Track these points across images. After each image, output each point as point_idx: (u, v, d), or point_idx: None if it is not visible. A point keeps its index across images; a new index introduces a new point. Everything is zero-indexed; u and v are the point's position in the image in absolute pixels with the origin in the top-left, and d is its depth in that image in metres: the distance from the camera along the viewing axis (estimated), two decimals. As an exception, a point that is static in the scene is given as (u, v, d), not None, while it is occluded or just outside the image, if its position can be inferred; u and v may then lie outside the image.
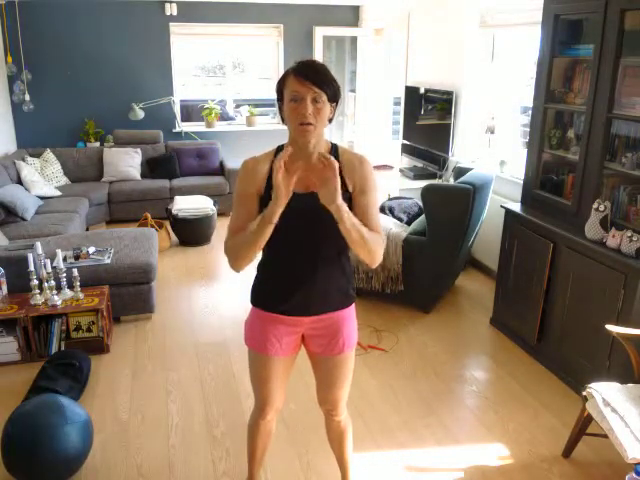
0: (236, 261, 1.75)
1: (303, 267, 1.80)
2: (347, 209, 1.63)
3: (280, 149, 1.79)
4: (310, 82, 1.60)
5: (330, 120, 1.73)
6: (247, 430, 2.18)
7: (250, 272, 1.94)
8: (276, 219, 1.62)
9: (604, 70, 2.87)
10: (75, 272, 3.50)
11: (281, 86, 1.69)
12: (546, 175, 3.53)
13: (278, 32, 7.27)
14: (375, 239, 1.72)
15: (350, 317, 1.93)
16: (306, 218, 1.73)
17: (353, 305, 1.94)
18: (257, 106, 7.63)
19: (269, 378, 1.96)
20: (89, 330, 3.50)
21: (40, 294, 3.48)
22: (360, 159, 1.79)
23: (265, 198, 1.73)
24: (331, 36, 7.61)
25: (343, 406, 2.08)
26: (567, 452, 2.60)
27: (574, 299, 3.05)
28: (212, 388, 3.17)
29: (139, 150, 6.53)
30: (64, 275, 3.50)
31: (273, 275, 1.86)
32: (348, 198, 1.74)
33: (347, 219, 1.62)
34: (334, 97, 1.68)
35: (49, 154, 6.25)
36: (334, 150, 1.78)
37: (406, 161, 6.16)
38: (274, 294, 1.87)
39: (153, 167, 6.53)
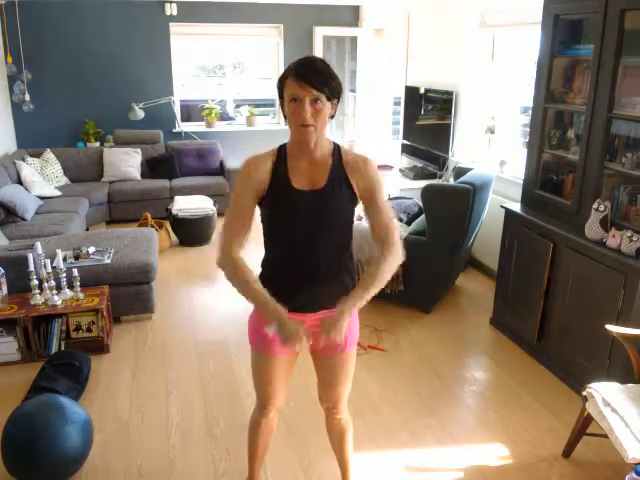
0: (228, 281, 1.79)
1: (307, 265, 1.81)
2: (347, 310, 1.71)
3: (282, 148, 1.80)
4: (308, 85, 1.61)
5: (332, 116, 1.74)
6: (248, 428, 2.18)
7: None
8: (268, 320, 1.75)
9: (604, 70, 2.87)
10: (75, 272, 3.50)
11: (281, 85, 1.69)
12: (546, 175, 3.53)
13: (278, 32, 7.27)
14: (387, 268, 1.76)
15: (352, 314, 1.92)
16: (309, 216, 1.75)
17: None
18: (257, 106, 7.63)
19: (271, 376, 1.97)
20: (89, 330, 3.50)
21: (40, 294, 3.48)
22: (364, 160, 1.79)
23: (266, 195, 1.76)
24: (331, 36, 7.60)
25: (344, 404, 2.09)
26: (567, 452, 2.60)
27: (574, 299, 3.05)
28: (212, 388, 3.17)
29: (139, 150, 6.53)
30: (64, 275, 3.50)
31: (276, 273, 1.87)
32: (352, 199, 1.79)
33: (355, 307, 1.74)
34: (334, 95, 1.68)
35: (49, 154, 6.25)
36: (336, 150, 1.79)
37: (406, 161, 6.16)
38: (277, 292, 1.85)
39: (153, 167, 6.53)
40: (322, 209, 1.75)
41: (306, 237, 1.77)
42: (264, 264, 1.90)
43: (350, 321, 1.91)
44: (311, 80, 1.60)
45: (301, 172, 1.76)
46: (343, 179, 1.76)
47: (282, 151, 1.79)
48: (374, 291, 1.75)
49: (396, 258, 1.78)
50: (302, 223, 1.75)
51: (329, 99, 1.66)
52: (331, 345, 1.89)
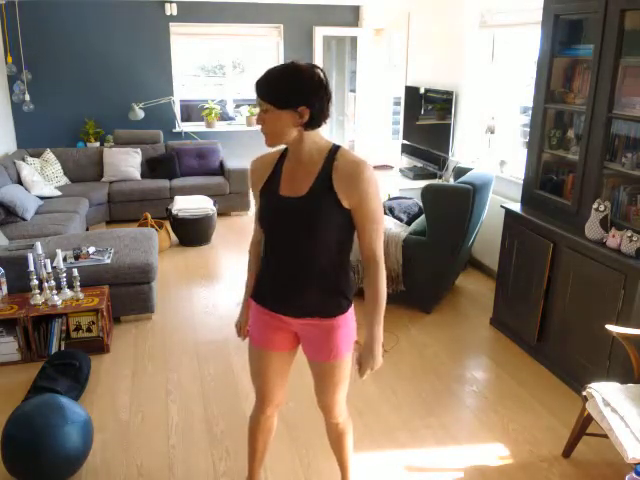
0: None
1: (288, 271, 1.80)
2: (375, 338, 1.82)
3: (286, 150, 1.79)
4: (258, 95, 1.65)
5: (306, 125, 1.64)
6: (248, 427, 2.18)
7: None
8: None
9: (604, 70, 2.87)
10: (75, 272, 3.50)
11: None
12: (546, 175, 3.53)
13: (278, 32, 7.27)
14: (381, 294, 1.78)
15: (343, 326, 1.86)
16: (289, 221, 1.73)
17: (348, 314, 1.87)
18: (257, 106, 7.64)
19: (263, 371, 1.97)
20: (89, 330, 3.50)
21: (40, 294, 3.48)
22: (356, 165, 1.65)
23: (263, 190, 1.80)
24: (331, 36, 7.60)
25: (338, 410, 2.04)
26: (567, 452, 2.60)
27: (574, 299, 3.05)
28: (212, 388, 3.17)
29: (139, 150, 6.53)
30: (64, 275, 3.50)
31: (266, 272, 1.89)
32: (338, 207, 1.67)
33: (379, 331, 1.82)
34: (280, 103, 1.61)
35: (49, 154, 6.25)
36: (332, 154, 1.70)
37: (406, 161, 6.16)
38: (265, 290, 1.90)
39: (153, 167, 6.53)
40: (302, 217, 1.69)
41: (288, 245, 1.77)
42: (262, 261, 1.93)
43: (342, 328, 1.87)
44: (257, 90, 1.65)
45: (290, 177, 1.74)
46: (328, 187, 1.66)
47: (285, 153, 1.79)
48: (383, 308, 1.81)
49: (384, 274, 1.80)
50: (283, 230, 1.75)
51: (280, 108, 1.61)
52: (322, 353, 1.89)
